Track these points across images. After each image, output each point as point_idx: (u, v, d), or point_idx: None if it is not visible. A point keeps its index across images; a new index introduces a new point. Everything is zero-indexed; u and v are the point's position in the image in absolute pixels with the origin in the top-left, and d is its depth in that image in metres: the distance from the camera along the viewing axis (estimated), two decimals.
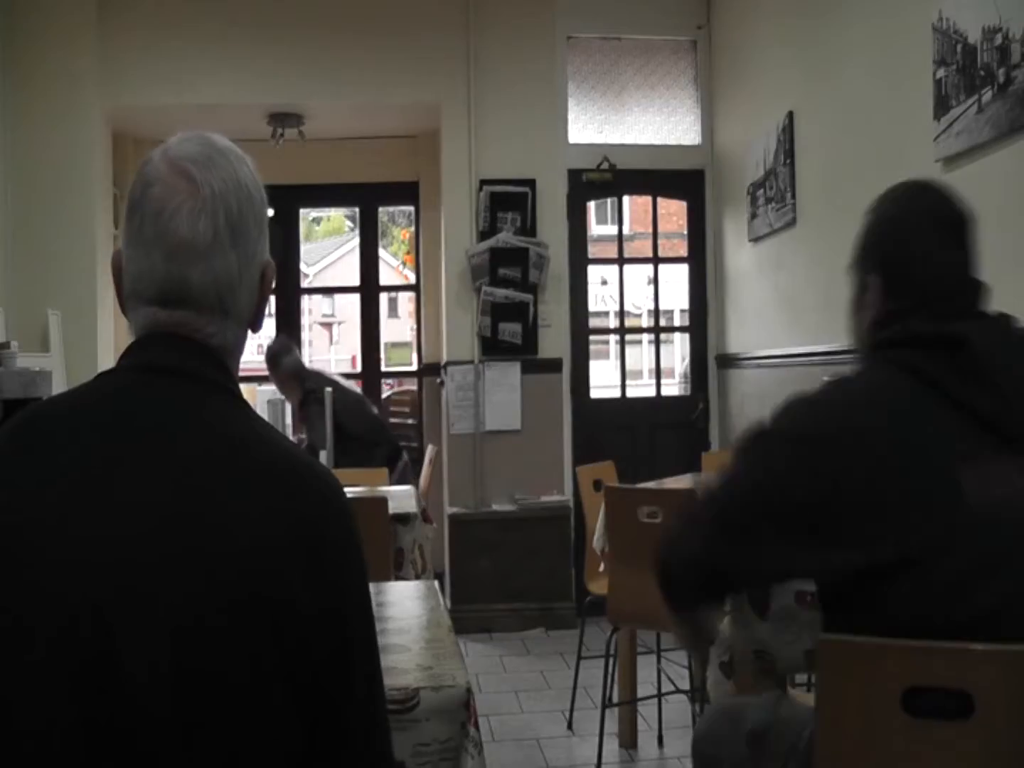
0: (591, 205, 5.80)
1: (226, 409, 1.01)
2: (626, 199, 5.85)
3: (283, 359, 4.85)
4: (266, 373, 4.98)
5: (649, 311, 6.23)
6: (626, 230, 5.30)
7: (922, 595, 1.27)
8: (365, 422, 4.83)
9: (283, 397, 4.92)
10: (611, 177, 5.28)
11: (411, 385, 6.56)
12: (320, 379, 4.84)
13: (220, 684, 0.89)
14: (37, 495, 0.93)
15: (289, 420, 4.79)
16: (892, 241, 1.54)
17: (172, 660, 0.87)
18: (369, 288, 6.20)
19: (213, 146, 1.04)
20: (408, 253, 9.01)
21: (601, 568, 3.45)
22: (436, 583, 2.10)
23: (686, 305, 5.57)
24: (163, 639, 0.88)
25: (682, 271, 5.60)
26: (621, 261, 5.70)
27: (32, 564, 0.90)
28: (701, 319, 5.45)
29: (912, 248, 1.53)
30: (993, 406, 1.31)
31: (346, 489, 3.45)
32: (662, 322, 5.83)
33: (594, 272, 5.94)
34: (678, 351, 6.88)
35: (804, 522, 1.33)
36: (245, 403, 1.04)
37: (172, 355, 1.00)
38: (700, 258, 5.48)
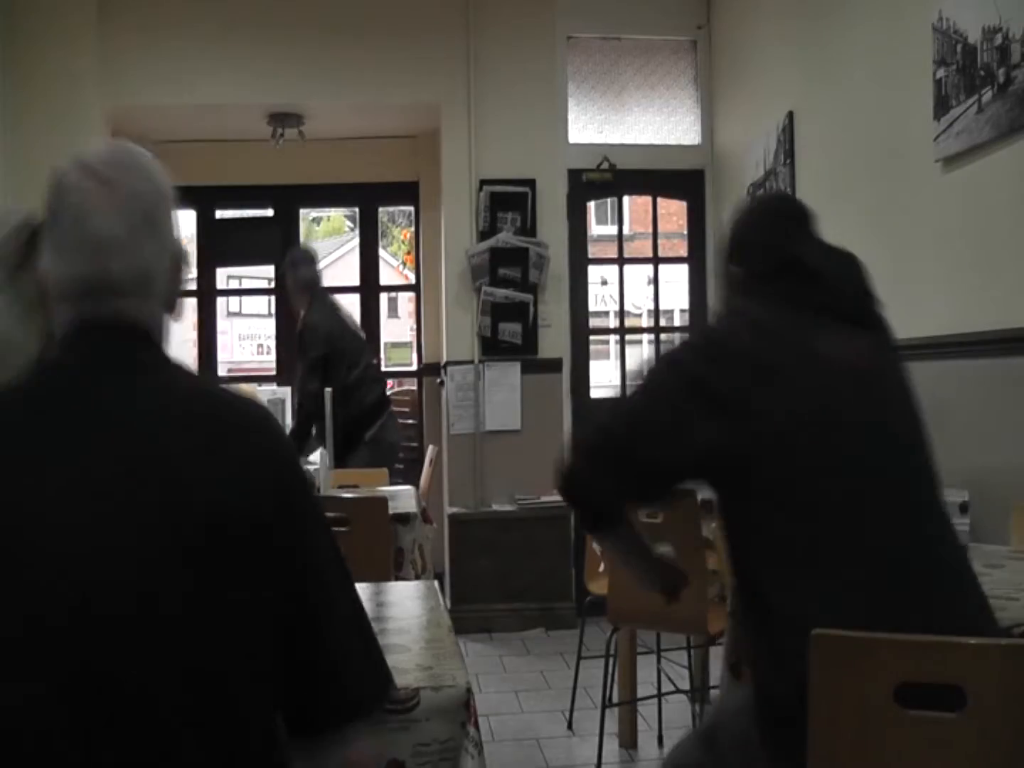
0: (591, 205, 5.80)
1: (167, 373, 1.10)
2: (626, 199, 5.85)
3: (301, 267, 4.87)
4: (266, 373, 4.99)
5: (649, 311, 6.23)
6: (626, 230, 5.30)
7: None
8: (360, 350, 4.86)
9: (281, 397, 4.92)
10: (611, 177, 5.28)
11: (411, 385, 6.56)
12: (327, 308, 4.84)
13: (217, 603, 0.98)
14: (14, 488, 0.98)
15: (289, 420, 4.78)
16: (748, 233, 1.81)
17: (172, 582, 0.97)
18: (369, 288, 6.21)
19: (123, 150, 1.14)
20: (408, 253, 9.01)
21: (601, 568, 3.45)
22: (436, 583, 2.10)
23: (686, 305, 5.58)
24: (159, 566, 0.97)
25: (682, 271, 5.60)
26: (621, 261, 5.69)
27: (22, 556, 0.95)
28: (701, 319, 5.45)
29: (762, 235, 1.80)
30: (829, 297, 1.69)
31: (346, 488, 3.44)
32: (662, 322, 5.83)
33: (594, 272, 5.94)
34: None
35: (698, 401, 1.53)
36: (178, 365, 1.12)
37: (104, 335, 1.08)
38: (700, 258, 5.47)
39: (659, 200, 5.55)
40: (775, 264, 1.72)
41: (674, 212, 6.09)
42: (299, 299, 4.86)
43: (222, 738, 0.97)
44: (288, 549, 1.04)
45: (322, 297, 4.87)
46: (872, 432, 1.58)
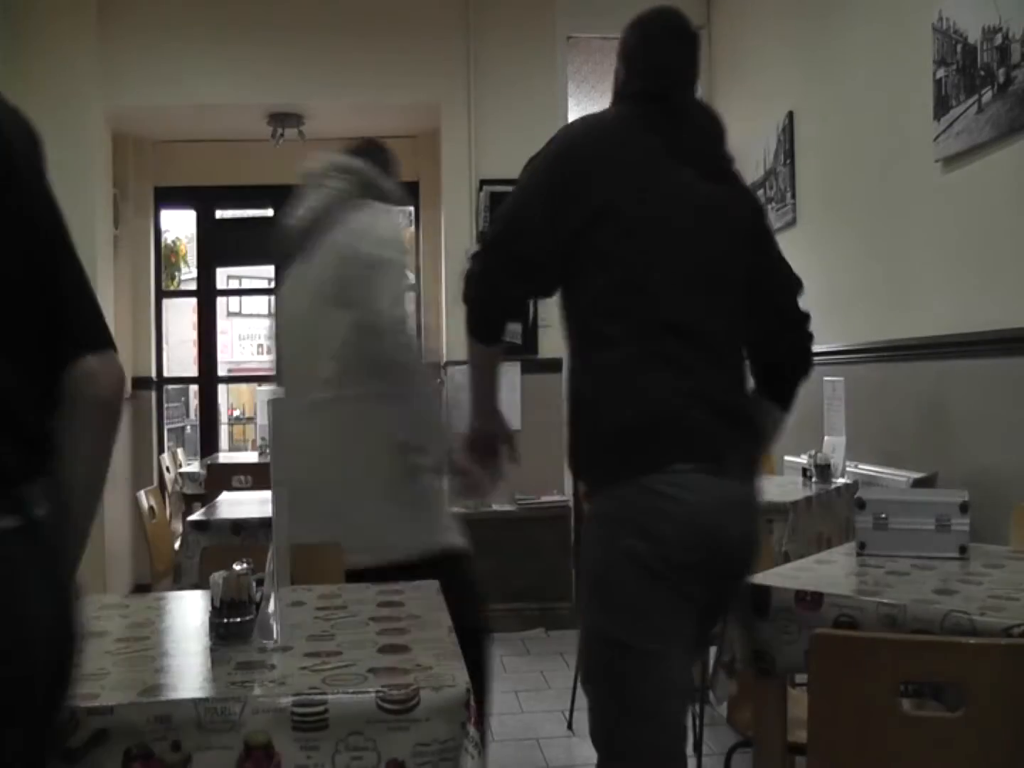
0: None
1: None
2: None
3: None
4: (266, 373, 4.97)
5: None
6: None
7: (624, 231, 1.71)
8: None
9: (281, 397, 4.90)
10: None
11: None
12: None
13: None
14: None
15: None
16: (633, 40, 1.92)
17: None
18: None
19: None
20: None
21: None
22: (436, 583, 2.10)
23: None
24: None
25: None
26: None
27: None
28: None
29: (643, 43, 1.91)
30: (685, 136, 1.81)
31: None
32: None
33: None
34: None
35: (560, 196, 1.76)
36: None
37: None
38: None
39: None
40: (645, 85, 1.87)
41: None
42: None
43: None
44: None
45: None
46: (701, 259, 1.76)
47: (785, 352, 1.97)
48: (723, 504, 1.65)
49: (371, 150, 3.01)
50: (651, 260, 1.72)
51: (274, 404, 1.66)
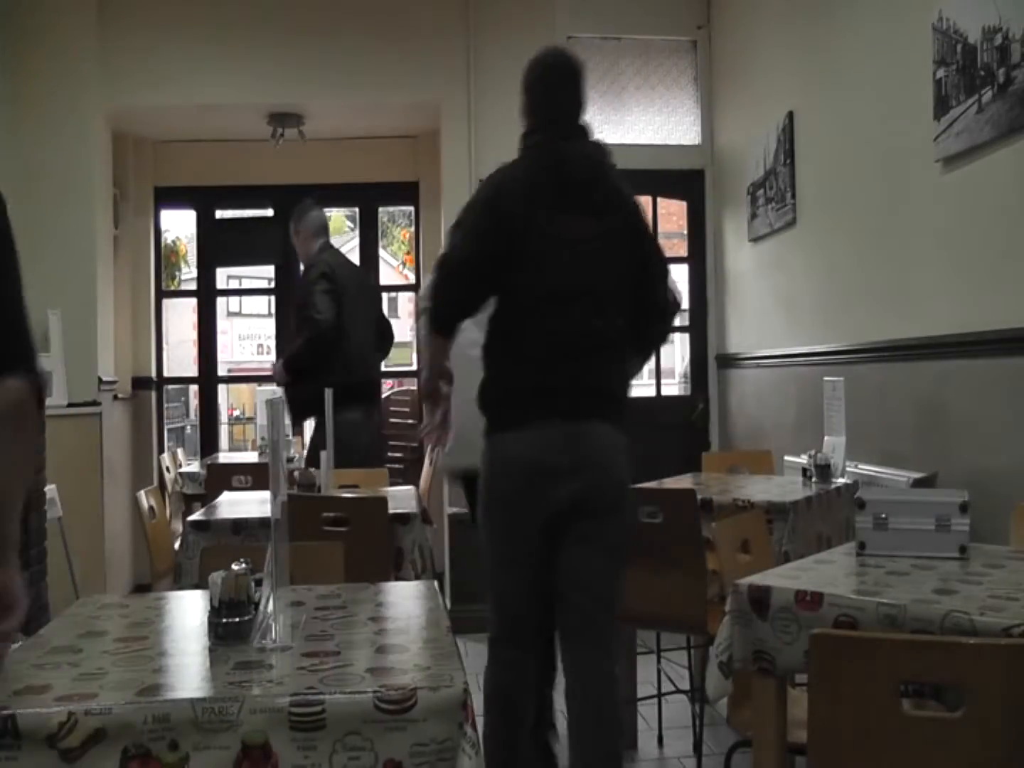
0: None
1: None
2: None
3: (311, 211, 4.62)
4: (265, 373, 4.96)
5: None
6: None
7: (530, 268, 2.38)
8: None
9: (283, 398, 4.89)
10: None
11: (411, 385, 6.55)
12: (340, 256, 4.61)
13: None
14: None
15: (288, 420, 4.78)
16: (531, 80, 2.57)
17: None
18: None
19: None
20: (408, 253, 9.00)
21: None
22: (436, 583, 2.09)
23: (686, 305, 5.57)
24: None
25: (682, 271, 5.59)
26: None
27: None
28: (701, 319, 5.45)
29: (538, 87, 2.57)
30: (571, 183, 2.44)
31: (346, 489, 3.44)
32: None
33: None
34: (678, 351, 6.87)
35: (486, 235, 2.39)
36: None
37: None
38: (700, 258, 5.47)
39: (659, 200, 5.54)
40: (534, 124, 2.55)
41: (674, 212, 6.08)
42: (309, 244, 4.52)
43: None
44: None
45: (334, 248, 4.64)
46: (576, 274, 2.40)
47: (653, 333, 2.61)
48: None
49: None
50: (533, 286, 2.38)
51: (271, 404, 1.66)
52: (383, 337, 4.69)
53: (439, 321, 2.46)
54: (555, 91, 2.54)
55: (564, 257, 2.38)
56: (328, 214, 4.95)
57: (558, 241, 2.38)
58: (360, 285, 4.56)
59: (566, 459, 2.32)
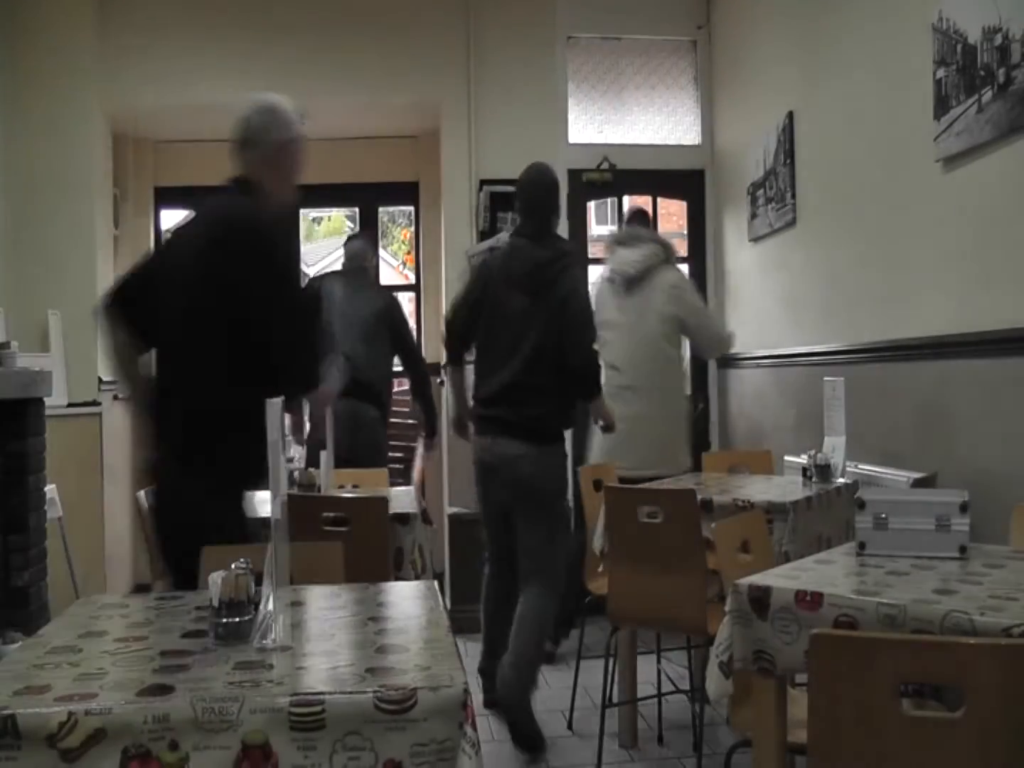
0: (591, 205, 5.80)
1: None
2: (626, 199, 5.85)
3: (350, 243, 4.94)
4: None
5: None
6: None
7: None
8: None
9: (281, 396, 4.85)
10: (611, 177, 5.27)
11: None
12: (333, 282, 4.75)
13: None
14: None
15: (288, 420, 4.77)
16: (517, 190, 3.63)
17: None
18: None
19: None
20: (408, 253, 9.00)
21: (601, 568, 3.44)
22: (436, 583, 2.09)
23: None
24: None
25: (682, 271, 5.59)
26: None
27: None
28: None
29: (520, 196, 3.60)
30: (516, 269, 3.47)
31: (345, 489, 3.46)
32: None
33: (594, 272, 5.92)
34: None
35: (469, 307, 3.62)
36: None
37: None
38: (700, 258, 5.47)
39: (659, 200, 5.54)
40: (515, 225, 3.74)
41: (674, 212, 6.09)
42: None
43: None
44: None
45: (334, 274, 4.94)
46: (512, 337, 3.44)
47: (577, 391, 3.52)
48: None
49: (645, 218, 4.76)
50: (487, 344, 3.54)
51: (271, 405, 1.65)
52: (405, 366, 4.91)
53: (447, 358, 3.77)
54: (528, 203, 3.53)
55: (501, 324, 3.45)
56: (328, 214, 4.93)
57: (501, 311, 3.45)
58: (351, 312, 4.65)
59: (490, 458, 3.52)
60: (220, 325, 2.27)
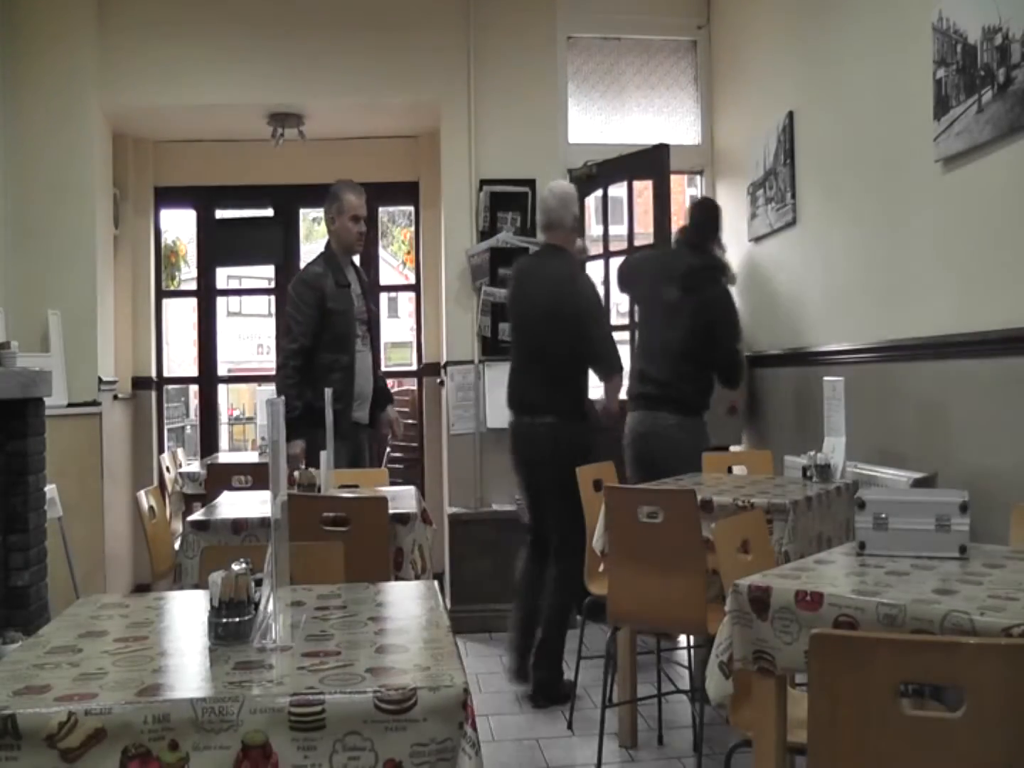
0: (591, 205, 5.80)
1: None
2: (625, 199, 5.84)
3: (347, 192, 4.59)
4: (266, 373, 4.94)
5: None
6: (624, 230, 5.28)
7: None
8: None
9: (281, 395, 4.85)
10: (595, 173, 5.23)
11: (411, 385, 6.55)
12: (328, 265, 4.39)
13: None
14: None
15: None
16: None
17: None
18: (369, 287, 6.19)
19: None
20: (408, 253, 9.00)
21: (601, 568, 3.44)
22: (436, 583, 2.09)
23: None
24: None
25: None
26: (607, 255, 5.67)
27: None
28: None
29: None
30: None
31: (346, 489, 3.45)
32: None
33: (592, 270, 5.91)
34: None
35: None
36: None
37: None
38: None
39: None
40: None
41: (674, 212, 6.07)
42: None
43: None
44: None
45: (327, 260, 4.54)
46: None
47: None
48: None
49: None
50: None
51: (271, 404, 1.65)
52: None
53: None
54: (696, 220, 4.29)
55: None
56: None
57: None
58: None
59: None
60: (564, 337, 3.83)
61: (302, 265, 4.75)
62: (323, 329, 4.25)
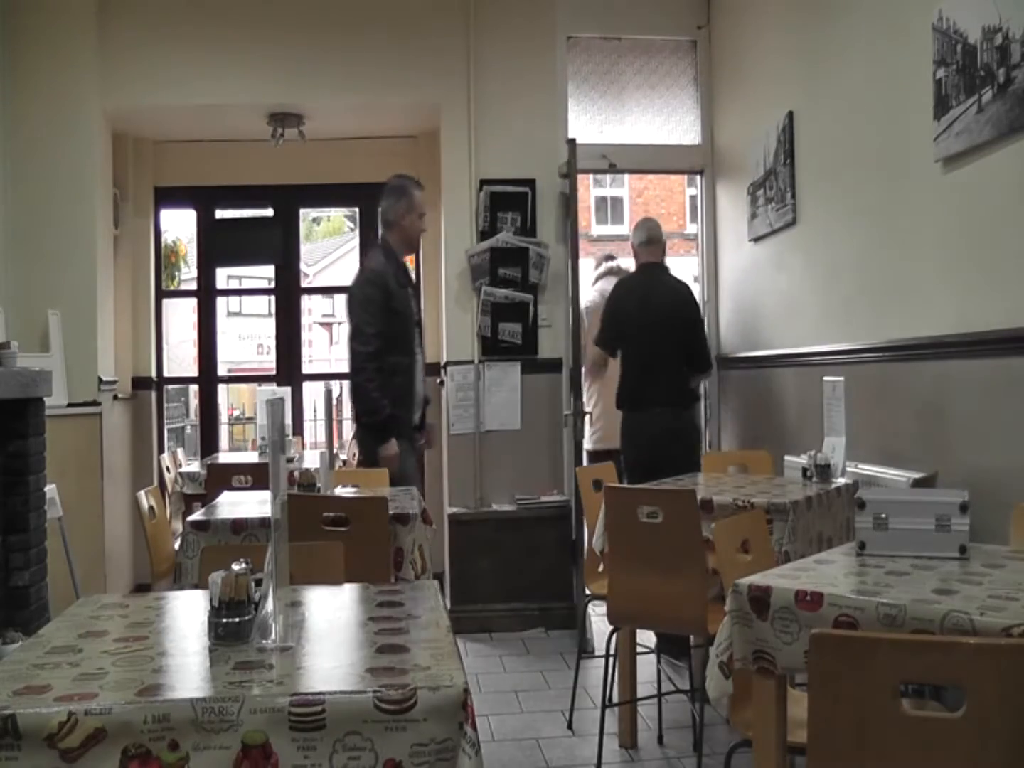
0: (590, 205, 5.80)
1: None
2: (626, 199, 5.85)
3: (414, 188, 4.51)
4: (266, 373, 4.94)
5: None
6: (625, 230, 5.29)
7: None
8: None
9: (281, 396, 4.86)
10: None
11: None
12: (388, 263, 4.33)
13: None
14: None
15: (289, 420, 4.78)
16: None
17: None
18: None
19: None
20: None
21: (601, 568, 3.44)
22: (436, 583, 2.09)
23: None
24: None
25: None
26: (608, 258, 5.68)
27: None
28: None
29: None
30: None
31: (346, 489, 3.45)
32: None
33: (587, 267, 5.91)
34: None
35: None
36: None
37: None
38: (700, 258, 5.47)
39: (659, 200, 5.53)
40: None
41: (674, 212, 6.08)
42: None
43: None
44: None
45: (382, 256, 4.48)
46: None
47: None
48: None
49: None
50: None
51: (271, 404, 1.65)
52: None
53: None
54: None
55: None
56: (328, 214, 4.92)
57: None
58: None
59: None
60: (686, 338, 4.44)
61: (302, 265, 4.72)
62: (387, 330, 4.19)
